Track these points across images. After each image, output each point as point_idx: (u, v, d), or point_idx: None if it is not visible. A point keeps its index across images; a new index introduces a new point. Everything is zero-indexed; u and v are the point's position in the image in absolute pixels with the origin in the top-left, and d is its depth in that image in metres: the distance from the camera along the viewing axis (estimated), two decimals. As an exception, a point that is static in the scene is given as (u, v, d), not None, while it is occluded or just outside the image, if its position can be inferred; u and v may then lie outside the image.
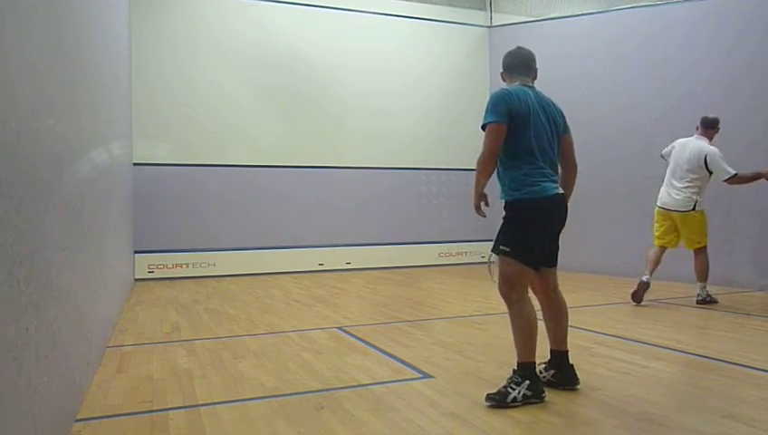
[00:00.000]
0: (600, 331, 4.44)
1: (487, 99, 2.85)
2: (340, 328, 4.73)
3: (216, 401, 2.86)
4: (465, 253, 10.52)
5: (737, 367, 3.36)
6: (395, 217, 10.15)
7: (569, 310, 3.06)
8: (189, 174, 8.95)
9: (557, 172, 2.97)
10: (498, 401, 2.70)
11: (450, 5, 10.78)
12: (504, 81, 3.07)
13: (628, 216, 8.02)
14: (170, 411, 2.71)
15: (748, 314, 5.18)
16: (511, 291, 2.82)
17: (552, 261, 2.98)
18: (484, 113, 2.83)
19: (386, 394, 2.92)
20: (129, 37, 8.05)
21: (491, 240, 2.94)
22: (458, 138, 10.14)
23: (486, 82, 10.47)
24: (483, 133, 2.83)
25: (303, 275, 9.14)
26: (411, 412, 2.64)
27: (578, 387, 2.95)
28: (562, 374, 2.98)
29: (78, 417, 2.63)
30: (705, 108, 6.12)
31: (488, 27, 10.91)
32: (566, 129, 3.04)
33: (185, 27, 9.07)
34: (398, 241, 10.17)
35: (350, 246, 9.88)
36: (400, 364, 3.53)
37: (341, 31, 10.00)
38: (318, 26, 9.85)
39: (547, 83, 3.31)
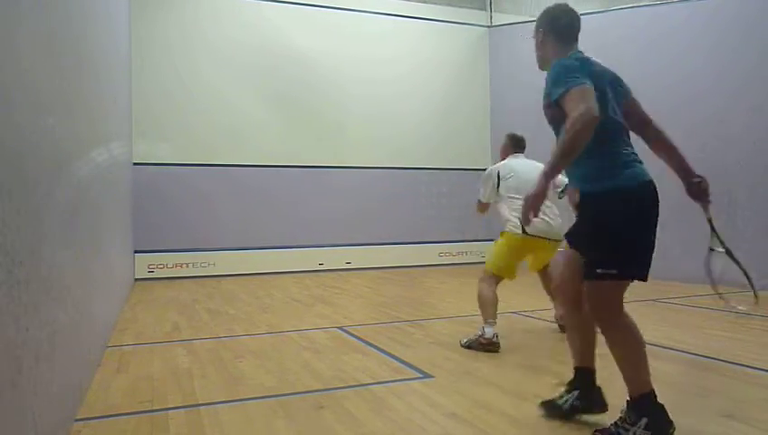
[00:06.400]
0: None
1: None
2: (340, 328, 4.73)
3: (215, 400, 2.86)
4: (465, 253, 10.52)
5: (737, 367, 3.36)
6: (395, 217, 10.15)
7: None
8: (189, 174, 8.95)
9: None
10: None
11: (450, 5, 10.78)
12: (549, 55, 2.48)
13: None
14: (170, 411, 2.71)
15: (748, 314, 5.17)
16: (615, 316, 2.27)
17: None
18: (553, 85, 2.24)
19: (386, 394, 2.92)
20: (129, 37, 8.04)
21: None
22: (458, 137, 10.10)
23: (486, 82, 10.42)
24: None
25: (303, 275, 9.14)
26: (411, 412, 2.64)
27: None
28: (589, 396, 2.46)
29: (78, 417, 2.63)
30: (707, 107, 6.07)
31: (488, 27, 10.91)
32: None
33: (186, 27, 9.07)
34: (399, 241, 10.16)
35: (350, 245, 9.88)
36: (400, 364, 3.53)
37: (340, 30, 10.00)
38: (316, 26, 9.85)
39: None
